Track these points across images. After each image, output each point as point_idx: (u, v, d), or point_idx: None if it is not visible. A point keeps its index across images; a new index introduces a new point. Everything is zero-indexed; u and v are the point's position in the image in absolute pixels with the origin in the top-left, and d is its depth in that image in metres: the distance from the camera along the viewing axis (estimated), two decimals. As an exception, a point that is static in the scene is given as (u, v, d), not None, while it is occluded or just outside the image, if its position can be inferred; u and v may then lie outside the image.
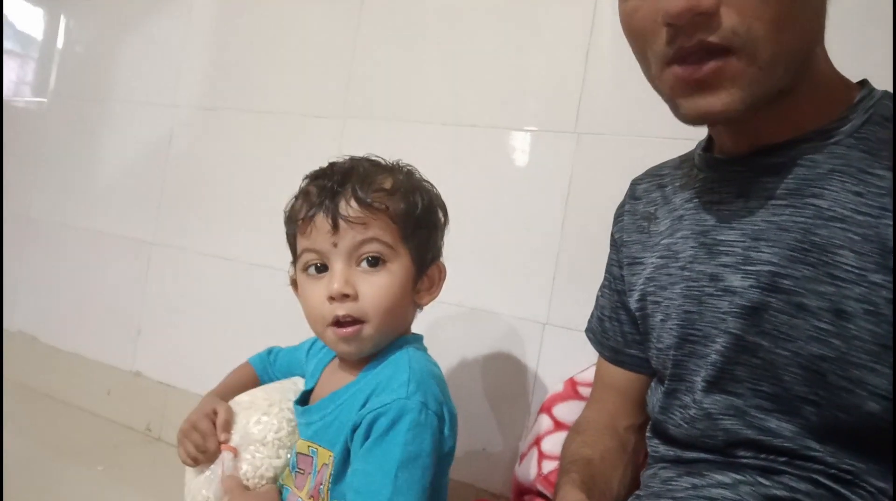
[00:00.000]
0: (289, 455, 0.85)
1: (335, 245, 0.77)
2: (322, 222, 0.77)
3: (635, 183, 0.84)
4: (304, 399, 0.87)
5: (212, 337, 1.56)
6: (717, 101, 0.59)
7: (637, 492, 0.74)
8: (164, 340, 1.64)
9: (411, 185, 0.83)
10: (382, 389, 0.76)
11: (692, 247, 0.69)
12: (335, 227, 0.76)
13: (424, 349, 0.85)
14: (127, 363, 1.67)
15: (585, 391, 1.07)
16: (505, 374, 1.19)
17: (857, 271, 0.58)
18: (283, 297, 1.43)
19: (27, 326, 1.87)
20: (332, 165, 0.84)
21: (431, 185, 0.87)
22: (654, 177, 0.81)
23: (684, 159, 0.79)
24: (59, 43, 1.93)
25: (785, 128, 0.64)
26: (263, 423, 0.85)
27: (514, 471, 1.09)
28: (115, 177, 1.77)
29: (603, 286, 0.86)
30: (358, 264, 0.77)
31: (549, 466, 1.02)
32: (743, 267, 0.64)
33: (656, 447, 0.75)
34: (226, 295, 1.55)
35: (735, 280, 0.65)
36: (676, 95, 0.61)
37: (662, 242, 0.74)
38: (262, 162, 1.53)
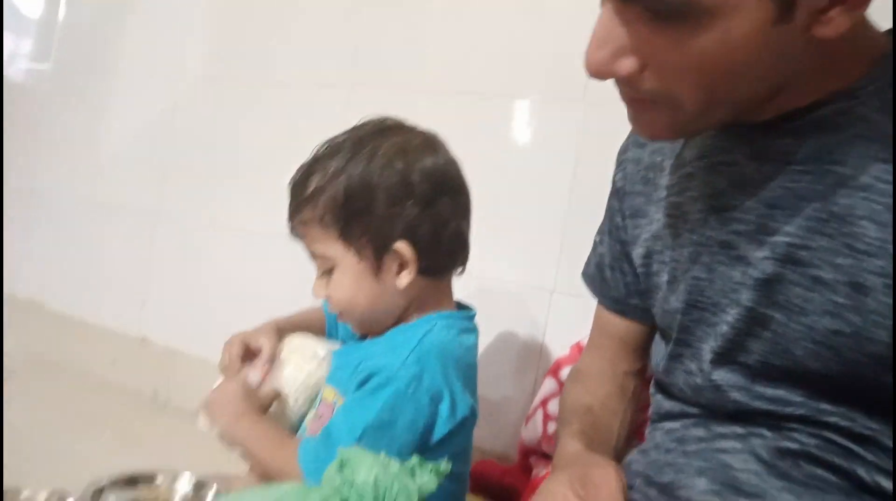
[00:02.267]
0: (306, 410, 0.87)
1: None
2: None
3: None
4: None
5: (217, 305, 1.57)
6: (641, 128, 0.61)
7: (642, 446, 0.75)
8: (171, 307, 1.65)
9: (335, 184, 0.80)
10: (385, 352, 0.79)
11: (701, 210, 0.67)
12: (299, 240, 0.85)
13: (458, 328, 0.84)
14: (133, 330, 1.68)
15: (587, 342, 1.08)
16: (512, 340, 1.20)
17: (878, 243, 0.55)
18: (284, 265, 1.45)
19: (35, 293, 1.87)
20: (301, 167, 0.86)
21: (385, 158, 0.81)
22: None
23: None
24: (61, 14, 1.91)
25: (807, 91, 0.60)
26: (292, 374, 0.87)
27: (521, 433, 1.11)
28: (119, 148, 1.77)
29: (602, 232, 0.83)
30: (322, 270, 0.83)
31: (555, 427, 1.04)
32: (757, 236, 0.62)
33: (661, 402, 0.74)
34: (230, 264, 1.56)
35: (749, 250, 0.62)
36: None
37: (670, 199, 0.71)
38: (268, 132, 1.53)
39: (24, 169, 1.94)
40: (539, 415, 1.08)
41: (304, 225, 0.82)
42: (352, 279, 0.81)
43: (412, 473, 0.56)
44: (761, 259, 0.61)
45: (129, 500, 1.08)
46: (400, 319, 0.84)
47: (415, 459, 0.57)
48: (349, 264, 0.80)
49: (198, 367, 1.54)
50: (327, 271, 0.82)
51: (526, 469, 1.09)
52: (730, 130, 0.66)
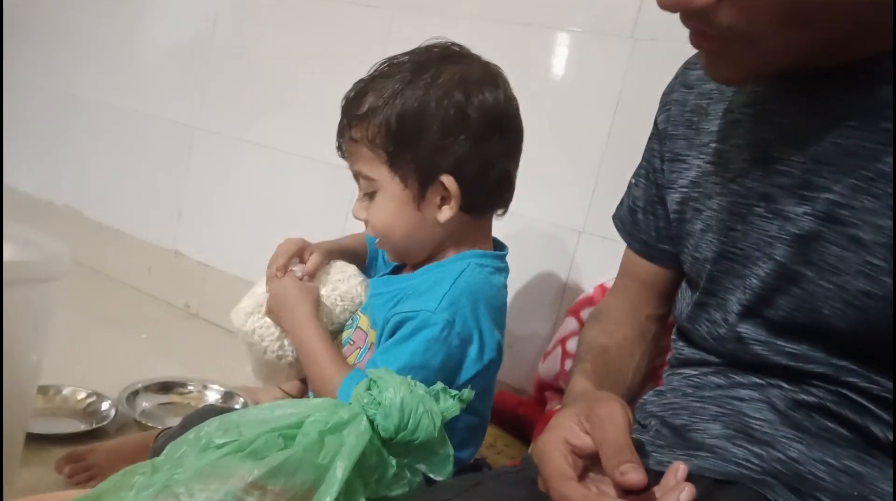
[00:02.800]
0: (345, 320, 0.90)
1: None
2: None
3: (688, 67, 0.76)
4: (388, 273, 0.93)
5: (251, 222, 1.60)
6: (715, 71, 0.58)
7: (658, 388, 0.77)
8: (205, 222, 1.68)
9: (390, 106, 0.78)
10: (420, 294, 0.79)
11: (745, 159, 0.65)
12: (345, 160, 0.85)
13: (490, 268, 0.84)
14: (168, 242, 1.72)
15: (612, 284, 1.09)
16: (536, 278, 1.21)
17: None
18: (320, 187, 1.46)
19: (72, 200, 1.92)
20: (356, 85, 0.84)
21: (442, 90, 0.79)
22: None
23: None
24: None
25: (872, 39, 0.57)
26: (336, 283, 0.90)
27: (538, 368, 1.14)
28: (157, 58, 1.77)
29: (638, 175, 0.81)
30: (364, 191, 0.83)
31: (572, 364, 1.07)
32: (800, 191, 0.60)
33: (681, 349, 0.74)
34: (265, 183, 1.57)
35: (789, 205, 0.61)
36: None
37: (712, 145, 0.69)
38: (307, 51, 1.51)
39: (61, 74, 1.95)
40: (558, 352, 1.10)
41: (353, 144, 0.81)
42: (393, 206, 0.80)
43: (437, 397, 0.58)
44: (801, 215, 0.60)
45: (162, 404, 1.15)
46: (435, 252, 0.85)
47: (439, 385, 0.59)
48: (393, 189, 0.80)
49: (229, 282, 1.59)
50: (369, 194, 0.82)
51: (540, 402, 1.12)
52: (784, 79, 0.64)
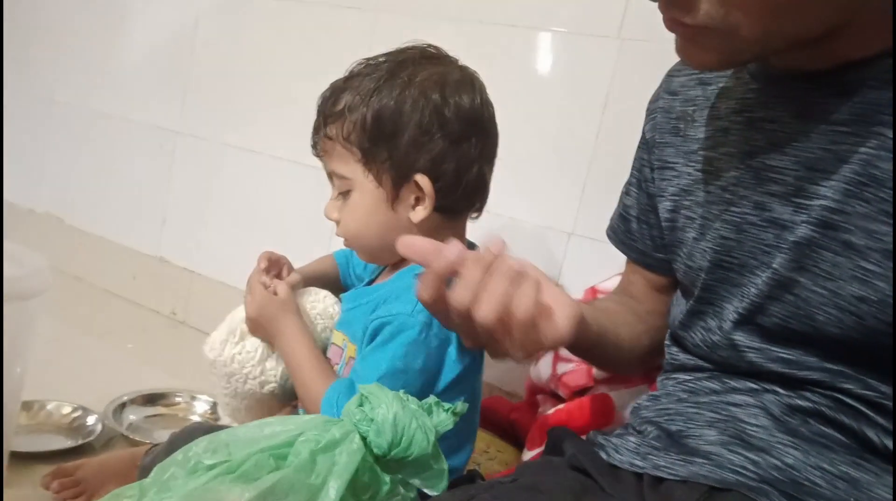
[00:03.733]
0: (325, 339, 0.88)
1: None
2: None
3: (672, 75, 0.77)
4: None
5: (236, 228, 1.58)
6: (691, 56, 0.57)
7: (653, 393, 0.76)
8: (189, 228, 1.66)
9: (366, 104, 0.78)
10: (395, 297, 0.78)
11: (737, 168, 0.65)
12: (320, 159, 0.84)
13: None
14: (152, 249, 1.70)
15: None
16: (527, 280, 1.21)
17: None
18: (305, 191, 1.45)
19: (53, 207, 1.89)
20: (332, 85, 0.84)
21: (418, 90, 0.79)
22: (695, 70, 0.73)
23: None
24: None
25: (862, 43, 0.57)
26: (313, 302, 0.89)
27: (529, 372, 1.13)
28: (139, 63, 1.74)
29: (629, 184, 0.82)
30: (338, 191, 0.83)
31: (564, 368, 1.06)
32: (794, 199, 0.60)
33: (676, 354, 0.74)
34: (251, 187, 1.56)
35: (784, 213, 0.61)
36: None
37: (701, 152, 0.69)
38: (291, 53, 1.49)
39: (43, 80, 1.92)
40: (549, 355, 1.09)
41: (328, 142, 0.81)
42: (367, 205, 0.80)
43: (430, 411, 0.57)
44: (798, 223, 0.60)
45: (149, 416, 1.13)
46: (403, 258, 0.84)
47: (432, 398, 0.58)
48: (367, 188, 0.79)
49: (215, 289, 1.57)
50: (343, 194, 0.82)
51: (533, 406, 1.12)
52: (772, 85, 0.64)
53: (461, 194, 0.82)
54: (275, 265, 0.90)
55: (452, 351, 0.77)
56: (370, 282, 0.91)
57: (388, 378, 0.74)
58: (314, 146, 0.83)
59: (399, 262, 0.85)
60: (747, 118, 0.65)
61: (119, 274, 1.73)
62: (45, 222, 1.88)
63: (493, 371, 1.23)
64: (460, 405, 0.58)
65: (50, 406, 1.05)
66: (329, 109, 0.80)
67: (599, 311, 0.74)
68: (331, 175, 0.83)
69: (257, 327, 0.85)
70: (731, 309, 0.66)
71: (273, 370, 0.84)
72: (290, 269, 0.92)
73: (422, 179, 0.78)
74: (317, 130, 0.82)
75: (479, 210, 0.88)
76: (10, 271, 0.76)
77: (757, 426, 0.63)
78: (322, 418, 0.58)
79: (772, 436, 0.61)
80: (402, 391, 0.58)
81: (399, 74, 0.79)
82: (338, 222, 0.83)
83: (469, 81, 0.82)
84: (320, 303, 0.89)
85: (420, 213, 0.79)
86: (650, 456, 0.61)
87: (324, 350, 0.88)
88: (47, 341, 1.25)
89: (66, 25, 1.87)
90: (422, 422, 0.54)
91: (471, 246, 0.89)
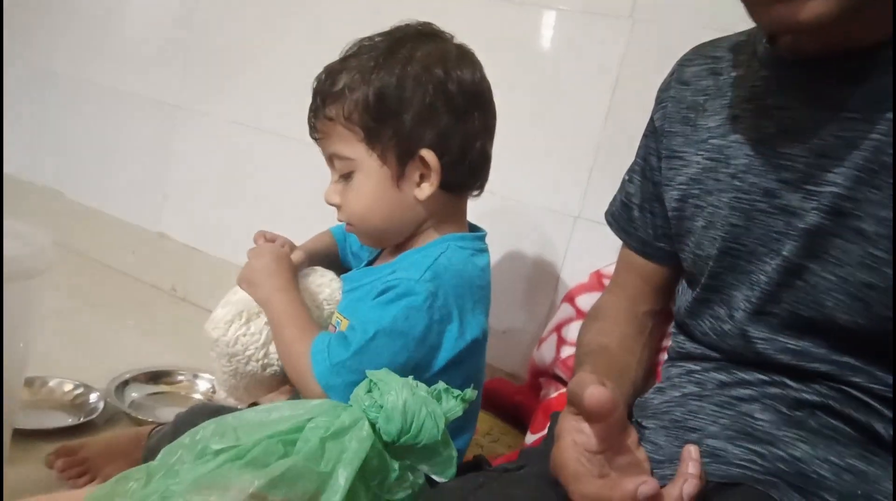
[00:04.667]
0: (328, 322, 0.88)
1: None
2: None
3: (683, 64, 0.76)
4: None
5: (237, 204, 1.56)
6: (803, 9, 0.52)
7: (658, 384, 0.76)
8: (190, 204, 1.64)
9: (367, 83, 0.77)
10: (404, 269, 0.77)
11: (747, 155, 0.64)
12: (317, 143, 0.81)
13: (471, 250, 0.83)
14: (152, 224, 1.68)
15: (609, 282, 1.08)
16: (531, 263, 1.20)
17: None
18: (305, 169, 1.43)
19: (53, 181, 1.87)
20: (328, 67, 0.82)
21: (421, 66, 0.78)
22: (707, 60, 0.73)
23: (743, 42, 0.71)
24: None
25: (873, 28, 0.57)
26: (319, 285, 0.87)
27: (532, 355, 1.13)
28: (139, 35, 1.71)
29: (633, 171, 0.81)
30: (339, 174, 0.80)
31: (568, 351, 1.06)
32: (805, 186, 0.60)
33: (682, 343, 0.74)
34: (250, 163, 1.54)
35: (795, 200, 0.61)
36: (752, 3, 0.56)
37: (712, 141, 0.69)
38: (294, 28, 1.46)
39: (41, 49, 1.88)
40: (553, 339, 1.09)
41: (328, 123, 0.78)
42: (372, 185, 0.78)
43: (439, 398, 0.57)
44: (809, 210, 0.60)
45: (151, 394, 1.13)
46: (415, 233, 0.83)
47: (441, 385, 0.58)
48: (371, 168, 0.78)
49: (215, 265, 1.56)
50: (344, 176, 0.80)
51: (535, 389, 1.12)
52: (783, 72, 0.64)
53: (467, 170, 0.81)
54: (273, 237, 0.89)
55: (454, 329, 0.76)
56: (370, 262, 0.90)
57: (386, 336, 0.72)
58: (312, 129, 0.81)
59: (402, 243, 0.84)
60: (758, 106, 0.65)
61: (119, 249, 1.72)
62: (45, 195, 1.87)
63: (497, 354, 1.23)
64: (469, 392, 0.58)
65: (52, 383, 1.05)
66: (327, 90, 0.78)
67: (620, 370, 0.73)
68: (331, 158, 0.81)
69: (248, 284, 0.83)
70: (741, 297, 0.66)
71: (276, 354, 0.83)
72: (292, 246, 0.90)
73: (428, 155, 0.77)
74: (314, 112, 0.80)
75: (481, 188, 0.87)
76: (13, 250, 0.75)
77: (763, 420, 0.63)
78: (330, 403, 0.58)
79: (778, 430, 0.61)
80: (411, 377, 0.57)
81: (398, 52, 0.78)
82: (339, 207, 0.82)
83: (468, 57, 0.82)
84: (327, 287, 0.87)
85: (426, 190, 0.78)
86: (655, 470, 0.60)
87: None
88: (48, 315, 1.24)
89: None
90: (431, 409, 0.54)
91: (473, 228, 0.88)
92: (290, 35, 1.47)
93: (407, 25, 0.82)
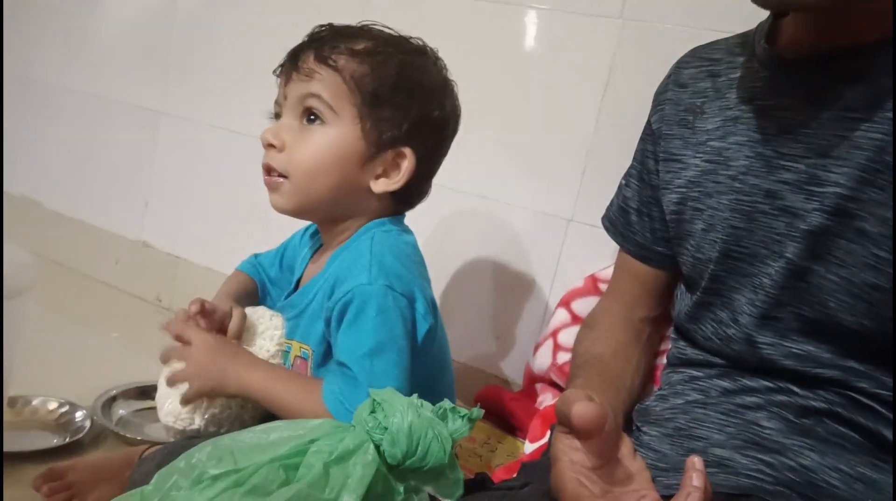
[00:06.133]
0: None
1: (285, 97, 0.77)
2: (284, 73, 0.77)
3: (681, 66, 0.76)
4: (292, 290, 0.85)
5: (222, 211, 1.53)
6: None
7: (659, 390, 0.75)
8: (172, 211, 1.61)
9: (392, 58, 0.75)
10: (345, 276, 0.74)
11: (747, 156, 0.64)
12: (288, 78, 0.76)
13: (397, 230, 0.79)
14: (135, 233, 1.65)
15: (605, 287, 1.07)
16: (524, 267, 1.19)
17: None
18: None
19: (30, 190, 1.82)
20: (340, 25, 0.80)
21: (440, 79, 0.79)
22: (704, 62, 0.73)
23: (740, 43, 0.70)
24: None
25: (875, 25, 0.57)
26: (264, 345, 0.81)
27: (528, 360, 1.12)
28: (117, 38, 1.67)
29: (629, 176, 0.81)
30: (302, 120, 0.75)
31: (564, 357, 1.05)
32: (807, 187, 0.60)
33: (683, 349, 0.74)
34: (236, 169, 1.50)
35: (797, 201, 0.60)
36: None
37: (711, 143, 0.68)
38: (276, 30, 1.43)
39: (17, 56, 1.83)
40: (549, 344, 1.08)
41: (326, 68, 0.73)
42: (337, 147, 0.74)
43: (444, 417, 0.55)
44: (811, 211, 0.59)
45: (139, 410, 1.10)
46: (336, 225, 0.79)
47: (447, 403, 0.56)
48: (346, 132, 0.74)
49: (200, 274, 1.53)
50: (308, 119, 0.75)
51: (531, 395, 1.11)
52: (783, 72, 0.63)
53: (422, 191, 0.82)
54: (207, 316, 0.77)
55: (420, 306, 0.73)
56: (298, 281, 0.85)
57: (378, 355, 0.70)
58: (294, 61, 0.75)
59: (324, 234, 0.81)
60: (758, 106, 0.65)
61: (101, 259, 1.68)
62: (22, 206, 1.82)
63: (491, 359, 1.22)
64: (476, 411, 0.56)
65: (35, 402, 1.01)
66: (338, 39, 0.75)
67: (616, 380, 0.72)
68: (303, 98, 0.74)
69: (203, 382, 0.73)
70: (744, 301, 0.65)
71: (252, 411, 0.76)
72: (227, 315, 0.80)
73: (409, 154, 0.76)
74: (309, 51, 0.75)
75: (411, 207, 0.85)
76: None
77: (771, 428, 0.62)
78: (332, 422, 0.56)
79: (786, 438, 0.61)
80: (415, 396, 0.56)
81: (425, 51, 0.79)
82: (281, 149, 0.75)
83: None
84: (279, 330, 0.80)
85: (382, 185, 0.76)
86: (659, 478, 0.59)
87: None
88: (30, 330, 1.21)
89: (44, 1, 1.79)
90: (438, 431, 0.52)
91: (383, 222, 0.82)
92: (273, 37, 1.43)
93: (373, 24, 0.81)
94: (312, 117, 0.75)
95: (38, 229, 1.75)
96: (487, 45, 1.19)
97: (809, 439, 0.61)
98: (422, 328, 0.74)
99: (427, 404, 0.55)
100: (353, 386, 0.69)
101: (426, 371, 0.75)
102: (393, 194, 0.78)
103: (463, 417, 0.55)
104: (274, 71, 0.79)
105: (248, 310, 0.86)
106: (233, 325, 0.79)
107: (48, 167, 1.80)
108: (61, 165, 1.78)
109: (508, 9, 1.18)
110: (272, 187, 0.77)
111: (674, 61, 0.78)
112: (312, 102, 0.74)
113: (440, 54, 0.81)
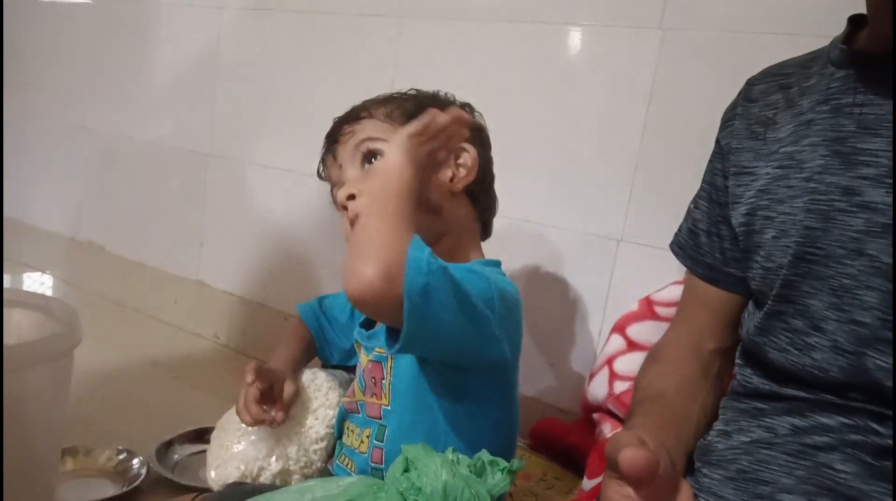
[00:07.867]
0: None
1: (340, 167, 0.80)
2: (328, 159, 0.82)
3: (751, 83, 0.74)
4: (369, 322, 0.83)
5: (272, 248, 1.55)
6: None
7: (725, 428, 0.70)
8: (226, 250, 1.64)
9: (409, 99, 0.82)
10: None
11: (823, 156, 0.61)
12: (333, 153, 0.81)
13: (504, 275, 0.79)
14: (191, 273, 1.69)
15: (662, 310, 1.02)
16: (575, 292, 1.14)
17: None
18: (334, 210, 1.41)
19: (94, 236, 1.90)
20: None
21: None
22: (775, 76, 0.71)
23: (813, 57, 0.68)
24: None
25: None
26: (321, 406, 0.85)
27: (584, 389, 1.07)
28: (166, 86, 1.73)
29: (699, 198, 0.77)
30: (363, 166, 0.78)
31: (621, 386, 1.00)
32: (887, 181, 0.57)
33: (749, 377, 0.69)
34: (283, 206, 1.53)
35: (876, 195, 0.57)
36: None
37: (782, 150, 0.65)
38: (316, 66, 1.45)
39: (74, 107, 1.93)
40: (604, 373, 1.03)
41: (362, 120, 0.80)
42: None
43: (482, 472, 0.52)
44: (890, 204, 0.57)
45: (195, 453, 1.11)
46: (437, 237, 0.77)
47: (485, 455, 0.53)
48: None
49: (254, 310, 1.55)
50: (368, 159, 0.78)
51: (589, 425, 1.06)
52: (859, 70, 0.61)
53: (492, 196, 0.84)
54: (264, 378, 0.82)
55: (504, 347, 0.70)
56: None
57: (465, 278, 0.64)
58: (345, 123, 0.81)
59: None
60: (834, 106, 0.63)
61: (161, 299, 1.73)
62: (87, 250, 1.90)
63: (546, 388, 1.17)
64: (516, 463, 0.53)
65: (95, 451, 1.03)
66: (370, 101, 0.83)
67: (679, 419, 0.68)
68: (356, 147, 0.79)
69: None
70: (820, 306, 0.61)
71: (317, 445, 0.81)
72: (281, 382, 0.85)
73: (469, 147, 0.78)
74: (343, 120, 0.82)
75: (490, 224, 0.87)
76: (44, 329, 0.74)
77: (846, 472, 0.56)
78: (365, 481, 0.54)
79: (864, 483, 0.55)
80: (451, 450, 0.53)
81: (438, 94, 0.85)
82: (359, 195, 0.74)
83: None
84: (330, 410, 0.84)
85: (459, 182, 0.78)
86: None
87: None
88: (92, 374, 1.25)
89: (89, 48, 1.87)
90: (475, 490, 0.49)
91: (486, 262, 0.82)
92: (314, 72, 1.46)
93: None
94: (371, 158, 0.78)
95: (103, 271, 1.82)
96: (528, 66, 1.17)
97: (888, 484, 0.55)
98: (496, 349, 0.70)
99: (464, 458, 0.52)
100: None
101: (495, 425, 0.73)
102: (473, 205, 0.81)
103: (503, 470, 0.52)
104: (319, 174, 0.87)
105: (307, 377, 0.87)
106: (286, 397, 0.83)
107: (109, 213, 1.88)
108: (120, 211, 1.85)
109: (544, 28, 1.15)
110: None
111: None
112: (366, 143, 0.78)
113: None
